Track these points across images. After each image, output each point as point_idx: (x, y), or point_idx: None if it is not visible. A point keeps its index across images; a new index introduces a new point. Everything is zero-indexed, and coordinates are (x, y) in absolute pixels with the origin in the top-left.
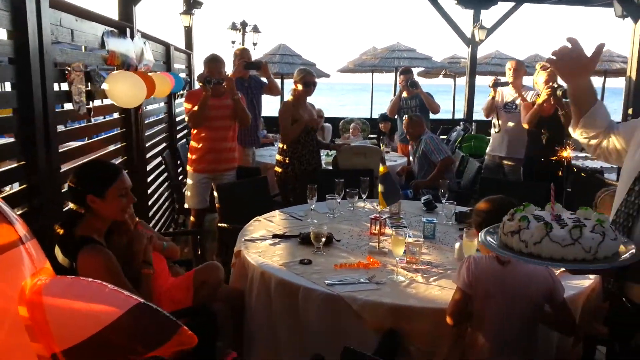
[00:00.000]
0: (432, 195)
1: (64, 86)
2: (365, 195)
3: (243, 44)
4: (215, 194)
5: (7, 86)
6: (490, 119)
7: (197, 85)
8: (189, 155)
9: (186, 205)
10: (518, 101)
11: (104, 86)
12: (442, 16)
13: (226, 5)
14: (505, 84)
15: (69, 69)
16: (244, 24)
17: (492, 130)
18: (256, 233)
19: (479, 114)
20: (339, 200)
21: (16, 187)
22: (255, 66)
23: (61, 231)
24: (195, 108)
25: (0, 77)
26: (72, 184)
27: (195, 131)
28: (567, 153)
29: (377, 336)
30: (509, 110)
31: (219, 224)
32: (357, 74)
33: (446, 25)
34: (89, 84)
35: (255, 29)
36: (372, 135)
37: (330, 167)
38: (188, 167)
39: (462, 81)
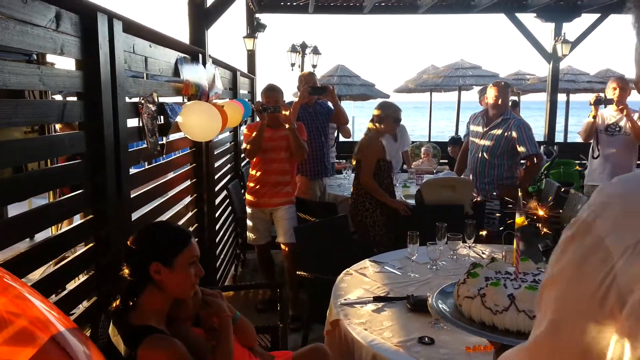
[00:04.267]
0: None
1: (135, 121)
2: (471, 240)
3: (302, 66)
4: (279, 231)
5: None
6: (588, 142)
7: None
8: (248, 183)
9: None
10: (622, 122)
11: (178, 119)
12: (520, 31)
13: (283, 28)
14: (610, 101)
15: (143, 101)
16: (303, 46)
17: (590, 156)
18: (352, 293)
19: (557, 136)
20: (441, 247)
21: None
22: (321, 91)
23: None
24: (254, 133)
25: (68, 115)
26: (133, 250)
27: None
28: None
29: None
30: (612, 133)
31: (298, 272)
32: (412, 93)
33: (516, 40)
34: (162, 117)
35: (315, 51)
36: (442, 161)
37: (412, 201)
38: (247, 196)
39: (528, 98)
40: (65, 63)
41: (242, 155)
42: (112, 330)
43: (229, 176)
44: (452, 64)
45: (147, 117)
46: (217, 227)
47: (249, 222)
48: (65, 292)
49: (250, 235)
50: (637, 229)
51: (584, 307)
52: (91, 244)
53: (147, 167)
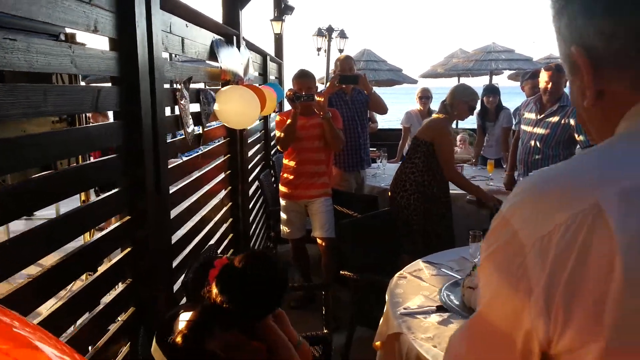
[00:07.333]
0: None
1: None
2: None
3: (329, 51)
4: (315, 225)
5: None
6: None
7: None
8: (282, 174)
9: (282, 233)
10: None
11: (215, 106)
12: None
13: (308, 11)
14: None
15: (180, 87)
16: (330, 30)
17: None
18: (411, 301)
19: None
20: None
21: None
22: (352, 80)
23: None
24: (287, 123)
25: (103, 103)
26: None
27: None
28: None
29: None
30: None
31: (342, 272)
32: (438, 79)
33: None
34: (199, 104)
35: (342, 35)
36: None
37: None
38: (281, 187)
39: None
40: (96, 44)
41: (273, 143)
42: (156, 350)
43: (260, 166)
44: (483, 48)
45: (184, 104)
46: (250, 219)
47: (283, 215)
48: (100, 307)
49: (284, 229)
50: (546, 222)
51: (504, 294)
52: (128, 249)
53: (184, 159)
